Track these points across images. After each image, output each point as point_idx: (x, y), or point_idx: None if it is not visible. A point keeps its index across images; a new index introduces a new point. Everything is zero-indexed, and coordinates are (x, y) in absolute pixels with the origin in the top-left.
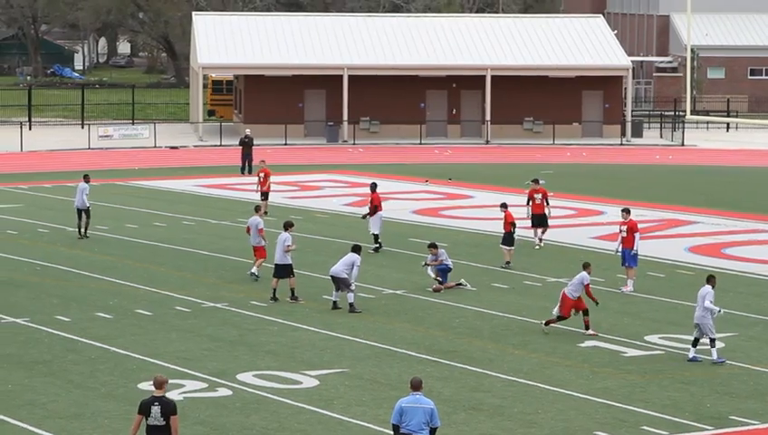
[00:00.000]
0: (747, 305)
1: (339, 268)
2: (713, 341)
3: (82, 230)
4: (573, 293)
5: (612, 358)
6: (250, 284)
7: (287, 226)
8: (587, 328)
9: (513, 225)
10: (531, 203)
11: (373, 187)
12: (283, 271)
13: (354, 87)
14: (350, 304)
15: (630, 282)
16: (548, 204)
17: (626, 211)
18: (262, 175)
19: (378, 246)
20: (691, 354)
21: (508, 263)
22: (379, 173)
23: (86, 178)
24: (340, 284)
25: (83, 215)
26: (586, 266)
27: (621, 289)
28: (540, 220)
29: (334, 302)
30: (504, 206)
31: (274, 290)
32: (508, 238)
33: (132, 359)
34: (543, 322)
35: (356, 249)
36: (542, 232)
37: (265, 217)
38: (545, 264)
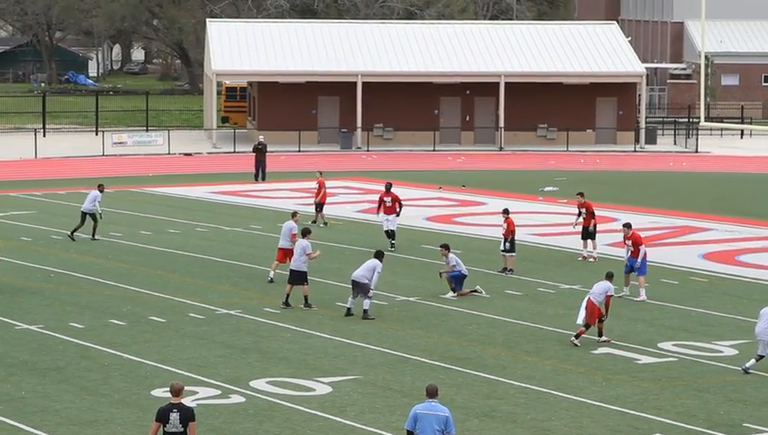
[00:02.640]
0: None
1: (360, 273)
2: (762, 357)
3: (75, 233)
4: (598, 299)
5: (626, 365)
6: (263, 291)
7: (305, 233)
8: (600, 335)
9: (513, 232)
10: (580, 216)
11: (388, 187)
12: (298, 278)
13: (368, 94)
14: (365, 311)
15: (642, 290)
16: (593, 217)
17: (627, 226)
18: (317, 185)
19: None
20: (748, 364)
21: (506, 269)
22: (392, 180)
23: (100, 188)
24: (360, 290)
25: (88, 218)
26: (610, 277)
27: (623, 295)
28: (586, 233)
29: (348, 308)
30: (506, 212)
31: (288, 295)
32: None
33: (146, 366)
34: (574, 335)
35: (378, 255)
36: (592, 246)
37: (318, 227)
38: (558, 271)
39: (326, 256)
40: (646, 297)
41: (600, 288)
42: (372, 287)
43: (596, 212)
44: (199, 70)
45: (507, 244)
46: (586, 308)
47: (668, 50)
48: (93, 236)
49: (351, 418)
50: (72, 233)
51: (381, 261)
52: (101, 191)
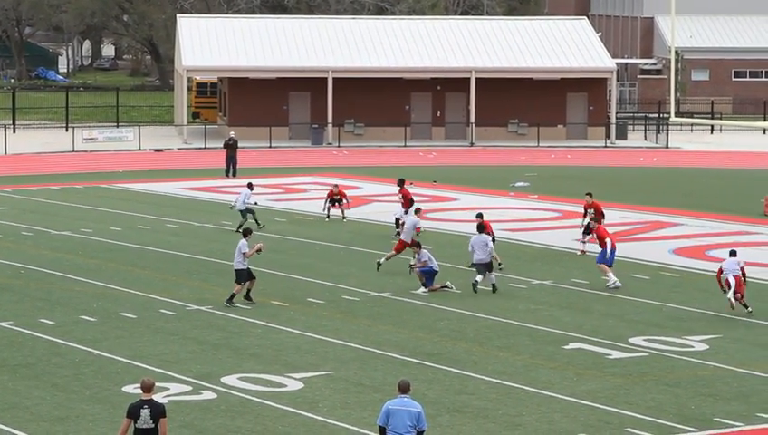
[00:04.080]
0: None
1: (479, 256)
2: None
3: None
4: (735, 273)
5: (596, 360)
6: (233, 287)
7: (246, 233)
8: (746, 306)
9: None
10: (586, 216)
11: (401, 182)
12: (242, 276)
13: (339, 89)
14: (493, 285)
15: (612, 274)
16: (603, 217)
17: (594, 220)
18: (338, 197)
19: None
20: None
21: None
22: (363, 175)
23: (250, 186)
24: (487, 268)
25: (247, 215)
26: (734, 254)
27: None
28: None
29: (476, 282)
30: (479, 216)
31: (249, 290)
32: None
33: (117, 362)
34: (747, 309)
35: (481, 228)
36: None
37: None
38: (529, 266)
39: (296, 251)
40: (618, 282)
41: (732, 264)
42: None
43: (565, 208)
44: (170, 66)
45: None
46: (726, 284)
47: (639, 45)
48: (258, 224)
49: (323, 414)
50: (239, 229)
51: (484, 232)
52: (251, 189)
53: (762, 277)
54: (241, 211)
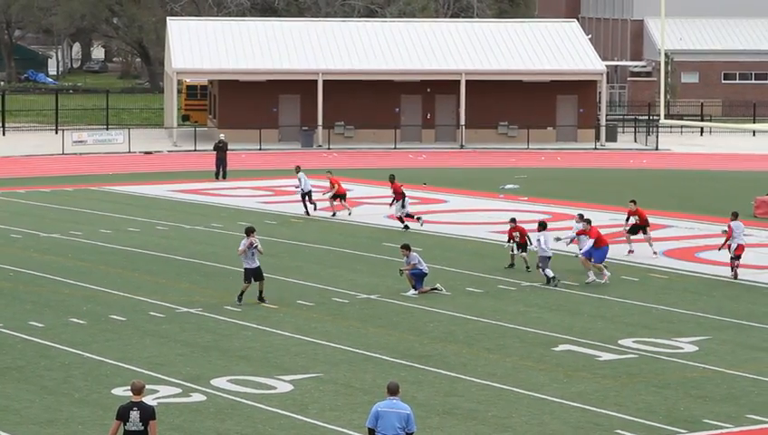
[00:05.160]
0: (720, 309)
1: (548, 254)
2: None
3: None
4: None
5: (586, 362)
6: (224, 289)
7: (249, 231)
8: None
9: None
10: (628, 221)
11: (392, 178)
12: (247, 274)
13: (329, 92)
14: (552, 278)
15: (593, 273)
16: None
17: (582, 217)
18: (337, 190)
19: (406, 224)
20: None
21: (512, 266)
22: (353, 178)
23: (297, 169)
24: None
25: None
26: (736, 215)
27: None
28: (642, 229)
29: (553, 277)
30: (513, 221)
31: (261, 292)
32: (522, 246)
33: (106, 364)
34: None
35: (543, 226)
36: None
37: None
38: (520, 268)
39: (287, 254)
40: (596, 278)
41: (740, 226)
42: (550, 254)
43: (555, 210)
44: (160, 68)
45: (521, 251)
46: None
47: (628, 47)
48: (316, 208)
49: (313, 416)
50: (313, 211)
51: (545, 229)
52: (298, 171)
53: (751, 279)
54: (303, 194)
